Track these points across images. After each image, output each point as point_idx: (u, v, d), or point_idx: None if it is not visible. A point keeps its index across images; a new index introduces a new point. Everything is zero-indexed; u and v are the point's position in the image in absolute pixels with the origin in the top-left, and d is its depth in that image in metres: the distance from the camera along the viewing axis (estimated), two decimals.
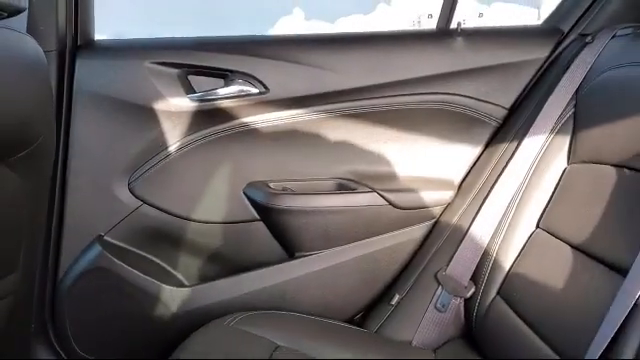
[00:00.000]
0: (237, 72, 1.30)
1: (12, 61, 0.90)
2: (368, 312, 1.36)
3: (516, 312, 1.05)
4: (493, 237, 1.18)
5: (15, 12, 0.94)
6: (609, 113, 1.03)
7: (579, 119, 1.12)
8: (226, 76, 1.31)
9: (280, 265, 1.35)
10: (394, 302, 1.30)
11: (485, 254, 1.18)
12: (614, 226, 0.91)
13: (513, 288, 1.09)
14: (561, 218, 1.07)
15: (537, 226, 1.12)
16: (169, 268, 1.38)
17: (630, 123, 0.96)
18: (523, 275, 1.08)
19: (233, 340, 1.10)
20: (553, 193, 1.12)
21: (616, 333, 0.75)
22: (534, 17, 1.52)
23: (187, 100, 1.30)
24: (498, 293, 1.12)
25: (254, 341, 1.09)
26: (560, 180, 1.12)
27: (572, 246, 0.99)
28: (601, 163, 1.01)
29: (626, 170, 0.94)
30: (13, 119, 0.90)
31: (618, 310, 0.76)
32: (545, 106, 1.21)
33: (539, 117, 1.21)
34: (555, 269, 1.00)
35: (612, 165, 0.98)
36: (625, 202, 0.91)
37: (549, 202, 1.12)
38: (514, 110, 1.33)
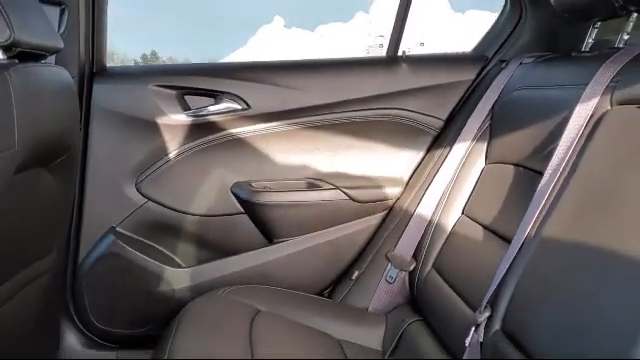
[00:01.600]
0: (224, 92, 1.55)
1: (54, 88, 1.15)
2: (334, 286, 1.62)
3: (445, 280, 1.31)
4: (430, 223, 1.45)
5: (55, 52, 1.20)
6: (512, 124, 1.30)
7: (493, 129, 1.40)
8: (216, 96, 1.56)
9: (261, 249, 1.60)
10: (354, 277, 1.57)
11: (423, 236, 1.45)
12: (511, 210, 1.17)
13: (443, 261, 1.36)
14: (478, 206, 1.34)
15: (462, 213, 1.39)
16: (170, 253, 1.61)
17: (526, 132, 1.23)
18: (450, 251, 1.35)
19: (223, 306, 1.35)
20: (474, 187, 1.39)
21: (498, 286, 1.02)
22: (465, 46, 1.78)
23: (184, 116, 1.55)
24: (433, 266, 1.39)
25: (240, 307, 1.34)
26: (480, 177, 1.39)
27: (484, 227, 1.26)
28: (505, 163, 1.28)
29: (521, 168, 1.21)
30: (54, 133, 1.15)
31: (502, 269, 1.03)
32: (470, 118, 1.48)
33: (466, 127, 1.48)
34: (472, 245, 1.27)
35: (512, 164, 1.25)
36: (519, 192, 1.18)
37: (471, 194, 1.39)
38: (449, 121, 1.60)
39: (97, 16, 1.49)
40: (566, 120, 1.04)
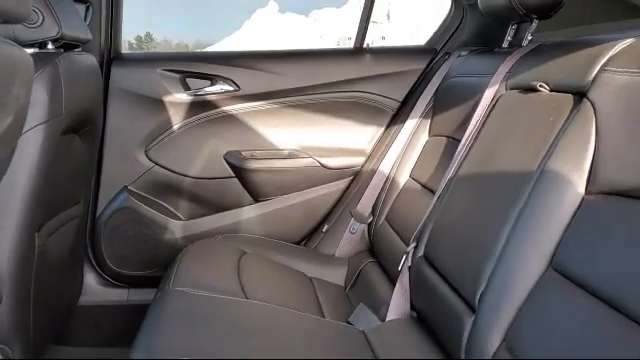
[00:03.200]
0: (219, 76, 1.84)
1: (87, 72, 1.45)
2: (308, 237, 1.93)
3: (392, 228, 1.62)
4: (384, 185, 1.76)
5: (85, 42, 1.50)
6: (447, 105, 1.61)
7: (435, 109, 1.71)
8: (212, 78, 1.85)
9: (248, 206, 1.91)
10: (324, 230, 1.88)
11: (379, 196, 1.77)
12: (440, 171, 1.47)
13: (392, 215, 1.67)
14: (420, 170, 1.65)
15: (409, 176, 1.70)
16: (173, 209, 1.89)
17: (454, 111, 1.54)
18: (398, 206, 1.66)
19: (216, 248, 1.64)
20: (419, 155, 1.70)
21: (423, 225, 1.34)
22: (419, 40, 2.07)
23: (185, 95, 1.83)
24: (385, 219, 1.70)
25: (229, 249, 1.63)
26: (424, 147, 1.70)
27: (422, 185, 1.57)
28: (441, 135, 1.60)
29: (450, 139, 1.53)
30: (86, 107, 1.44)
31: (426, 213, 1.35)
32: (419, 100, 1.79)
33: (415, 107, 1.79)
34: (412, 200, 1.58)
35: (444, 136, 1.57)
36: (446, 157, 1.48)
37: (417, 161, 1.70)
38: (404, 103, 1.90)
39: (115, 11, 1.77)
40: (478, 101, 1.35)
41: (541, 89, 1.09)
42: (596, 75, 0.93)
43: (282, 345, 1.10)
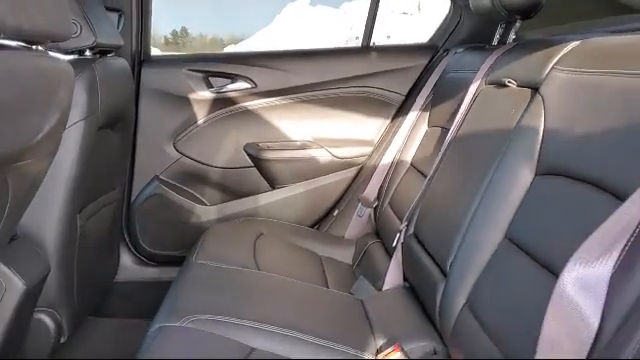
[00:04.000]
0: (238, 75, 2.01)
1: (119, 74, 1.64)
2: (320, 220, 2.09)
3: (393, 211, 1.77)
4: (388, 173, 1.91)
5: (118, 48, 1.69)
6: (443, 98, 1.75)
7: (433, 101, 1.84)
8: (232, 77, 2.02)
9: (266, 193, 2.08)
10: (335, 214, 2.05)
11: (383, 182, 1.91)
12: (433, 158, 1.60)
13: (393, 199, 1.82)
14: (418, 158, 1.79)
15: (410, 164, 1.84)
16: (199, 195, 2.08)
17: (447, 103, 1.67)
18: (399, 191, 1.80)
19: (235, 230, 1.82)
20: (419, 145, 1.84)
21: (414, 206, 1.48)
22: (421, 38, 2.20)
23: (208, 92, 2.01)
24: (388, 203, 1.85)
25: (248, 230, 1.81)
26: (423, 137, 1.84)
27: (419, 171, 1.71)
28: (436, 126, 1.74)
29: (443, 129, 1.66)
30: (119, 105, 1.63)
31: (418, 195, 1.49)
32: (419, 94, 1.92)
33: (416, 100, 1.92)
34: (410, 185, 1.72)
35: (439, 127, 1.70)
36: (439, 145, 1.61)
37: (417, 150, 1.84)
38: (407, 96, 2.04)
39: (144, 19, 1.95)
40: (465, 95, 1.49)
41: (509, 85, 1.22)
42: (548, 73, 1.06)
43: (284, 306, 1.27)
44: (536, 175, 1.00)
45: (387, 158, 1.94)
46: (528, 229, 0.97)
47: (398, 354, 1.11)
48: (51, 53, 1.06)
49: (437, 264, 1.21)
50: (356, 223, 1.97)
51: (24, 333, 1.31)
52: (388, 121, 2.07)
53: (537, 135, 1.01)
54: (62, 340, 1.44)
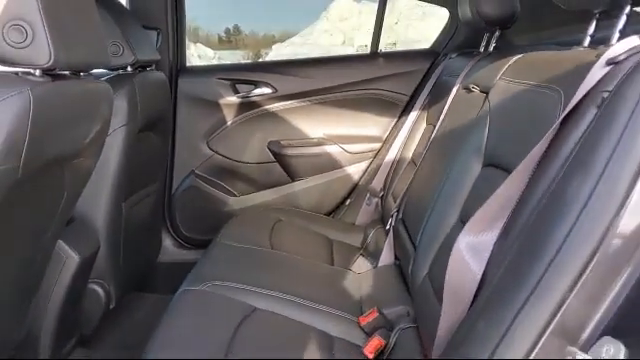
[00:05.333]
0: (261, 81, 2.25)
1: (157, 85, 1.90)
2: (334, 209, 2.32)
3: (394, 200, 1.97)
4: (392, 165, 2.12)
5: (155, 63, 1.95)
6: (436, 99, 1.93)
7: (430, 101, 2.03)
8: (255, 83, 2.26)
9: (287, 185, 2.32)
10: (347, 203, 2.27)
11: (387, 175, 2.12)
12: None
13: (395, 189, 2.01)
14: (417, 153, 1.98)
15: (410, 158, 2.04)
16: (229, 187, 2.33)
17: (438, 105, 1.85)
18: (399, 182, 2.01)
19: (256, 216, 2.05)
20: (418, 140, 2.03)
21: (404, 194, 1.69)
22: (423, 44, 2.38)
23: (235, 97, 2.26)
24: (391, 193, 2.05)
25: (268, 217, 2.03)
26: (422, 134, 2.03)
27: (415, 164, 1.91)
28: (431, 124, 1.92)
29: (433, 126, 1.85)
30: (157, 111, 1.90)
31: (408, 184, 1.70)
32: (421, 94, 2.12)
33: (418, 100, 2.12)
34: (409, 176, 1.92)
35: (432, 125, 1.89)
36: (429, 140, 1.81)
37: (416, 145, 2.03)
38: (411, 97, 2.23)
39: (179, 34, 2.22)
40: (448, 97, 1.68)
41: (473, 90, 1.41)
42: (496, 81, 1.25)
43: (288, 277, 1.50)
44: (483, 166, 1.20)
45: (392, 153, 2.14)
46: (473, 212, 1.16)
47: (375, 315, 1.33)
48: (98, 70, 1.32)
49: (412, 241, 1.41)
50: (365, 211, 2.19)
51: (80, 298, 1.59)
52: (394, 119, 2.26)
53: (484, 133, 1.20)
54: (111, 306, 1.72)
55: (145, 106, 1.72)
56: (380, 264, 1.70)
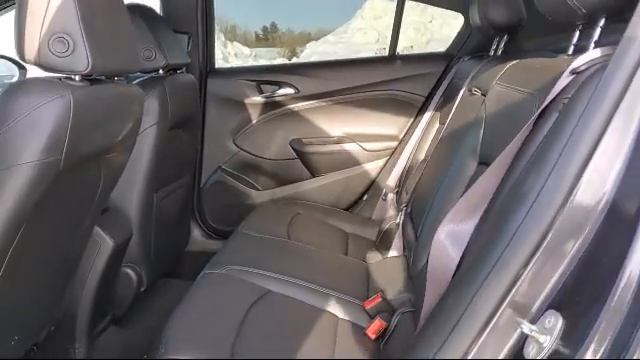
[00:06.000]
0: (284, 82, 2.38)
1: (186, 86, 2.04)
2: (352, 204, 2.43)
3: (406, 195, 2.07)
4: (407, 162, 2.21)
5: (185, 66, 2.09)
6: (447, 100, 2.02)
7: (443, 102, 2.12)
8: (279, 84, 2.38)
9: (307, 180, 2.44)
10: (364, 199, 2.37)
11: (403, 171, 2.22)
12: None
13: (408, 186, 2.11)
14: (430, 150, 2.07)
15: (424, 156, 2.13)
16: (252, 182, 2.47)
17: (449, 105, 1.94)
18: (412, 179, 2.10)
19: (276, 210, 2.17)
20: (432, 139, 2.12)
21: (414, 189, 1.78)
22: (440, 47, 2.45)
23: (260, 97, 2.39)
24: (405, 189, 2.15)
25: (287, 210, 2.15)
26: (435, 134, 2.12)
27: (425, 160, 2.00)
28: (442, 124, 2.01)
29: (443, 125, 1.94)
30: (186, 110, 2.03)
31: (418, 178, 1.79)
32: (435, 95, 2.21)
33: (432, 101, 2.21)
34: (420, 173, 2.02)
35: (443, 124, 1.98)
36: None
37: (430, 143, 2.12)
38: (427, 98, 2.32)
39: (209, 38, 2.36)
40: (457, 98, 1.77)
41: (475, 93, 1.50)
42: (493, 85, 1.33)
43: (301, 265, 1.62)
44: (477, 164, 1.29)
45: (407, 151, 2.24)
46: None
47: (379, 300, 1.43)
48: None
49: (415, 234, 1.51)
50: (381, 206, 2.28)
51: (114, 281, 1.74)
52: (411, 119, 2.35)
53: (479, 134, 1.29)
54: (142, 289, 1.86)
55: (175, 106, 1.86)
56: (390, 255, 1.80)
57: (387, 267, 1.71)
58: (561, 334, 0.67)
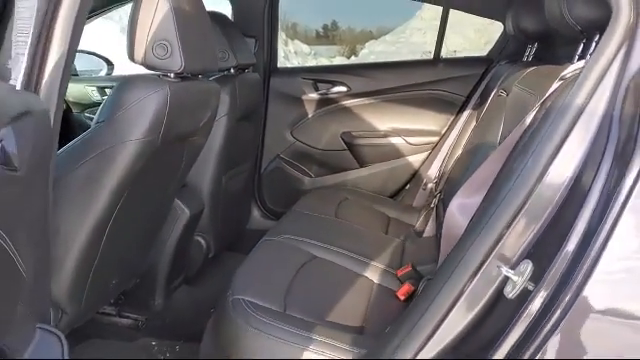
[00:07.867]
0: (337, 81, 2.62)
1: (252, 84, 2.31)
2: (396, 193, 2.64)
3: (443, 184, 2.27)
4: (446, 155, 2.41)
5: (251, 65, 2.37)
6: (484, 100, 2.20)
7: (479, 102, 2.30)
8: (333, 83, 2.63)
9: (355, 170, 2.67)
10: (407, 188, 2.58)
11: (442, 163, 2.42)
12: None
13: (445, 175, 2.32)
14: (467, 145, 2.27)
15: (462, 149, 2.32)
16: (306, 169, 2.72)
17: (482, 105, 2.14)
18: (449, 170, 2.30)
19: (326, 195, 2.40)
20: (469, 135, 2.31)
21: (448, 179, 1.99)
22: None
23: (315, 94, 2.64)
24: (441, 179, 2.35)
25: (336, 195, 2.39)
26: (472, 129, 2.31)
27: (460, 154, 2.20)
28: (477, 120, 2.20)
29: (477, 122, 2.13)
30: (252, 105, 2.31)
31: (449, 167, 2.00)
32: (474, 95, 2.39)
33: (471, 101, 2.40)
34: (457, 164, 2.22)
35: (477, 121, 2.17)
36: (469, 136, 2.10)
37: (467, 139, 2.31)
38: (467, 98, 2.50)
39: (272, 42, 2.62)
40: (489, 99, 1.96)
41: (501, 94, 1.69)
42: (513, 87, 1.53)
43: (345, 238, 1.85)
44: None
45: (447, 146, 2.44)
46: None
47: (409, 269, 1.65)
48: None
49: (444, 216, 1.73)
50: (422, 195, 2.49)
51: (188, 245, 2.04)
52: (452, 117, 2.54)
53: (499, 129, 1.50)
54: (210, 255, 2.16)
55: (243, 101, 2.14)
56: (425, 235, 2.02)
57: (420, 244, 1.92)
58: (529, 276, 0.89)
